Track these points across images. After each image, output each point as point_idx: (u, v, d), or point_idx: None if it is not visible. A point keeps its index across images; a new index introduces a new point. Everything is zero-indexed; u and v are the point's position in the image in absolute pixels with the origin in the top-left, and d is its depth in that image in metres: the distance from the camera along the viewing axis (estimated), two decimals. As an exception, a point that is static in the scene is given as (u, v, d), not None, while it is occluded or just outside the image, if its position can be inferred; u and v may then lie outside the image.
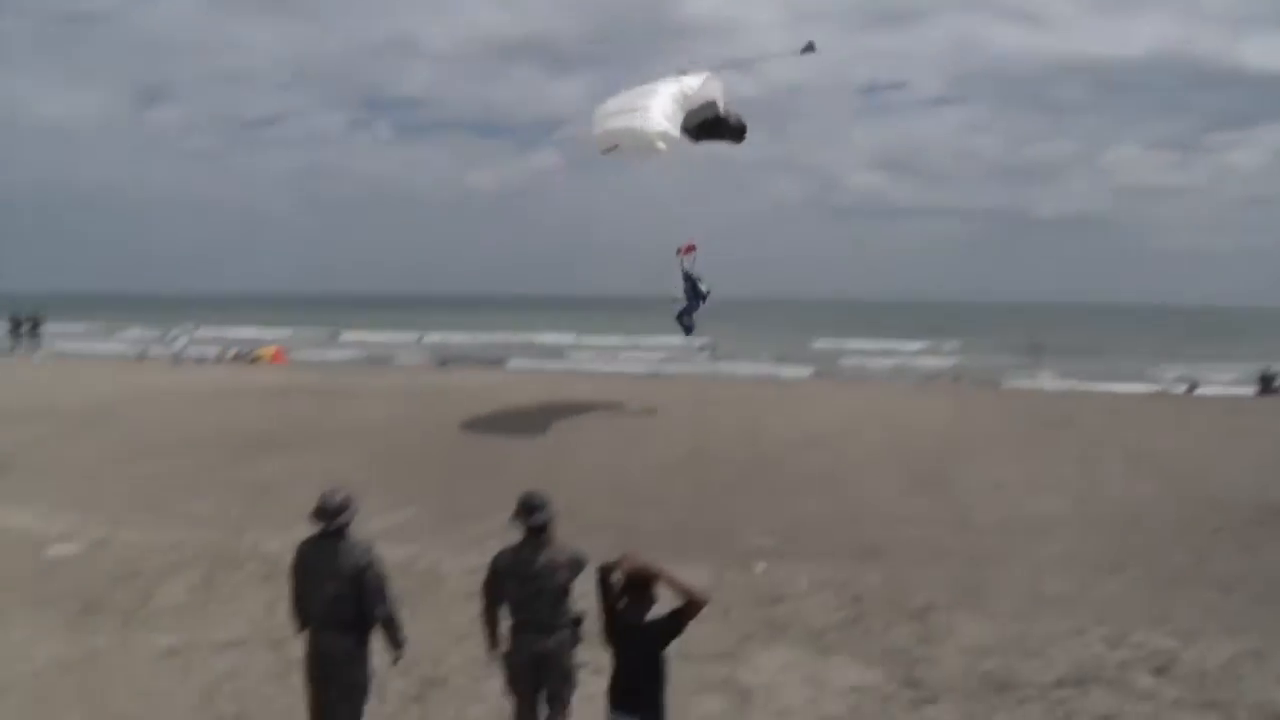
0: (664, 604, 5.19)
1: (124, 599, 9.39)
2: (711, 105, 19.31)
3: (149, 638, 8.39)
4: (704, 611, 5.11)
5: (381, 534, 11.69)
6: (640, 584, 5.13)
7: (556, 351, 49.49)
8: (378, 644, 5.91)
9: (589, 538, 10.18)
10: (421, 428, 19.74)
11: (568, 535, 6.13)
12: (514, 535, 6.05)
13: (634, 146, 18.41)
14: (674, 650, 7.96)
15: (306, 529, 6.14)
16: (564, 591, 5.85)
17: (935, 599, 9.44)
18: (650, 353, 46.31)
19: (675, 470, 15.80)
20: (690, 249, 20.37)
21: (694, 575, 10.05)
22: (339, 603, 5.75)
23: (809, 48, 20.18)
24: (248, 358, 39.93)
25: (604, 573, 5.32)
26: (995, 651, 8.18)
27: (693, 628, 8.46)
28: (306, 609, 5.91)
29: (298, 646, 6.37)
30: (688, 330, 21.49)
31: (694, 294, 20.80)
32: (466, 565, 10.50)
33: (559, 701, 5.96)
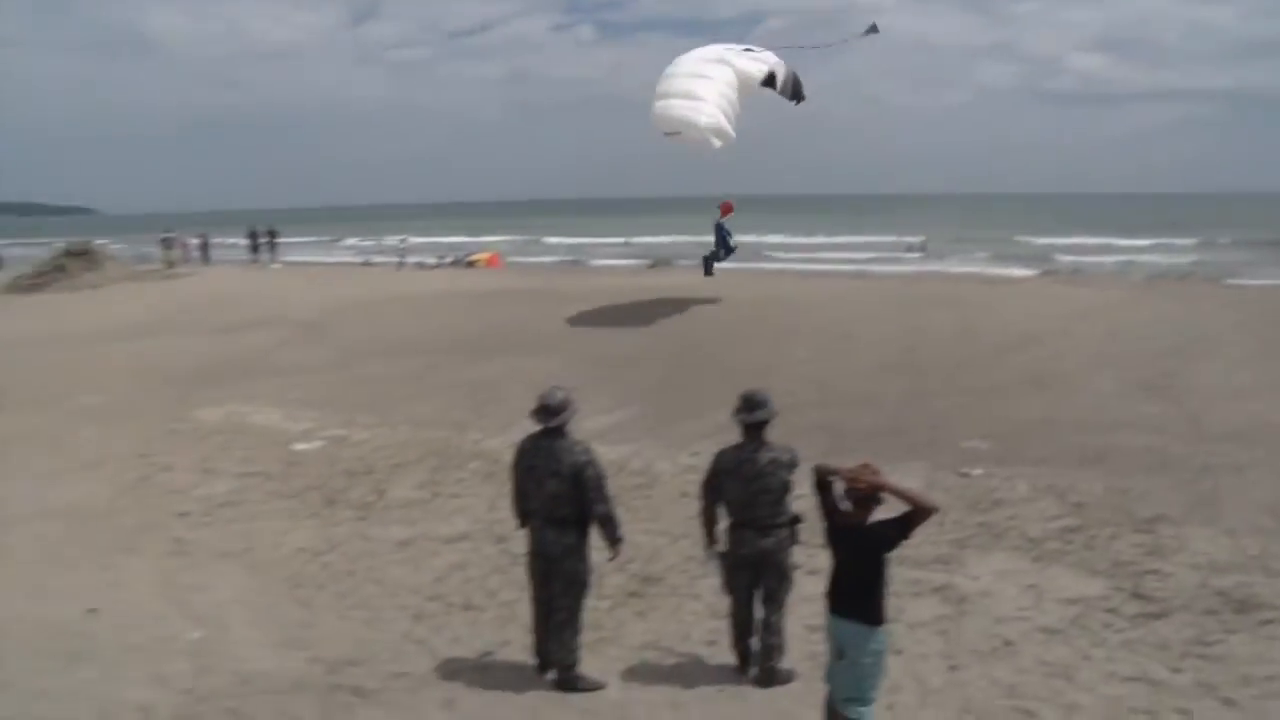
0: (888, 509, 5.10)
1: (359, 494, 10.06)
2: (769, 76, 19.77)
3: (383, 530, 8.99)
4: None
5: (597, 434, 12.11)
6: (863, 496, 5.06)
7: (762, 251, 49.06)
8: (596, 540, 6.10)
9: (801, 438, 10.20)
10: (631, 329, 20.07)
11: (780, 436, 6.13)
12: (728, 436, 6.09)
13: (692, 139, 18.70)
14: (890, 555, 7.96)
15: (525, 429, 6.39)
16: (784, 491, 5.86)
17: (1164, 510, 8.91)
18: (858, 252, 45.40)
19: (887, 371, 15.46)
20: (728, 209, 22.71)
21: (907, 477, 10.00)
22: (558, 500, 5.94)
23: (872, 29, 21.20)
24: (464, 262, 41.48)
25: (820, 474, 5.25)
26: (1232, 569, 7.66)
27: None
28: (527, 505, 6.15)
29: (520, 542, 6.70)
30: (708, 271, 24.11)
31: (724, 245, 23.36)
32: (681, 465, 10.75)
33: (774, 602, 6.02)
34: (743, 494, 5.86)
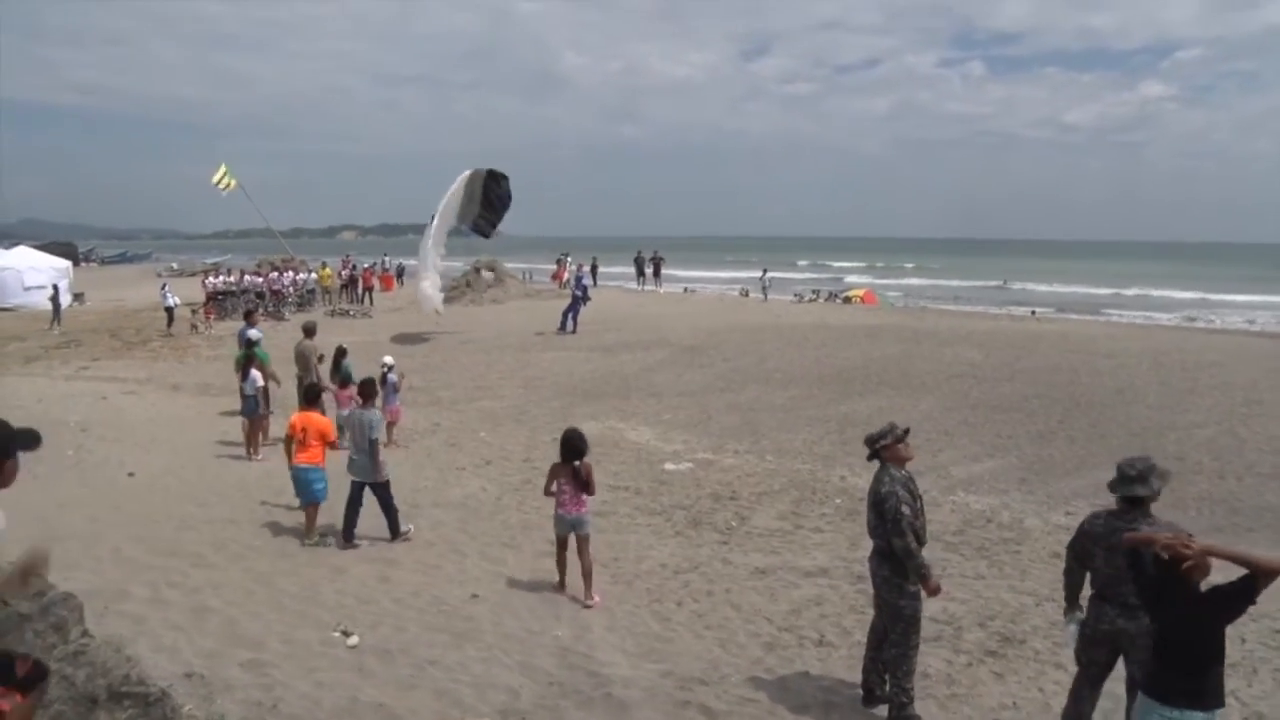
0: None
1: (723, 517, 10.24)
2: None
3: (744, 556, 9.06)
4: None
5: (966, 482, 11.62)
6: (1184, 567, 4.41)
7: (1169, 304, 45.21)
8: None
9: (1188, 510, 9.30)
10: (1012, 375, 19.12)
11: (1165, 505, 5.50)
12: (1109, 498, 5.59)
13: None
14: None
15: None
16: None
17: None
18: (1267, 311, 40.60)
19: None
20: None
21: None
22: (875, 530, 6.02)
23: None
24: (840, 297, 41.52)
25: (1131, 544, 4.72)
26: None
27: None
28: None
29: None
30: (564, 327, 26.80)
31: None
32: (1053, 523, 10.04)
33: (1136, 690, 5.37)
34: (1109, 566, 5.29)
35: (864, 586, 8.02)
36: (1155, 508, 5.36)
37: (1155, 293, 52.43)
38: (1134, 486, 5.26)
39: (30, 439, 3.36)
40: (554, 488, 8.10)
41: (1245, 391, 17.44)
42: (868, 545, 6.41)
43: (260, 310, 23.04)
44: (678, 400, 16.80)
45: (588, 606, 7.85)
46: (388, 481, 9.57)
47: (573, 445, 8.04)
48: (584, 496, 8.05)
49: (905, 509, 5.84)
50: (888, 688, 6.12)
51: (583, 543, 8.05)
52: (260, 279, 35.85)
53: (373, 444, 9.37)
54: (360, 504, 9.39)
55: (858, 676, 6.45)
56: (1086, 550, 5.46)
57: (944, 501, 10.77)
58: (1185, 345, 24.54)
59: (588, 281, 30.95)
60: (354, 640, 7.00)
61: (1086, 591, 5.58)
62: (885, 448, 6.08)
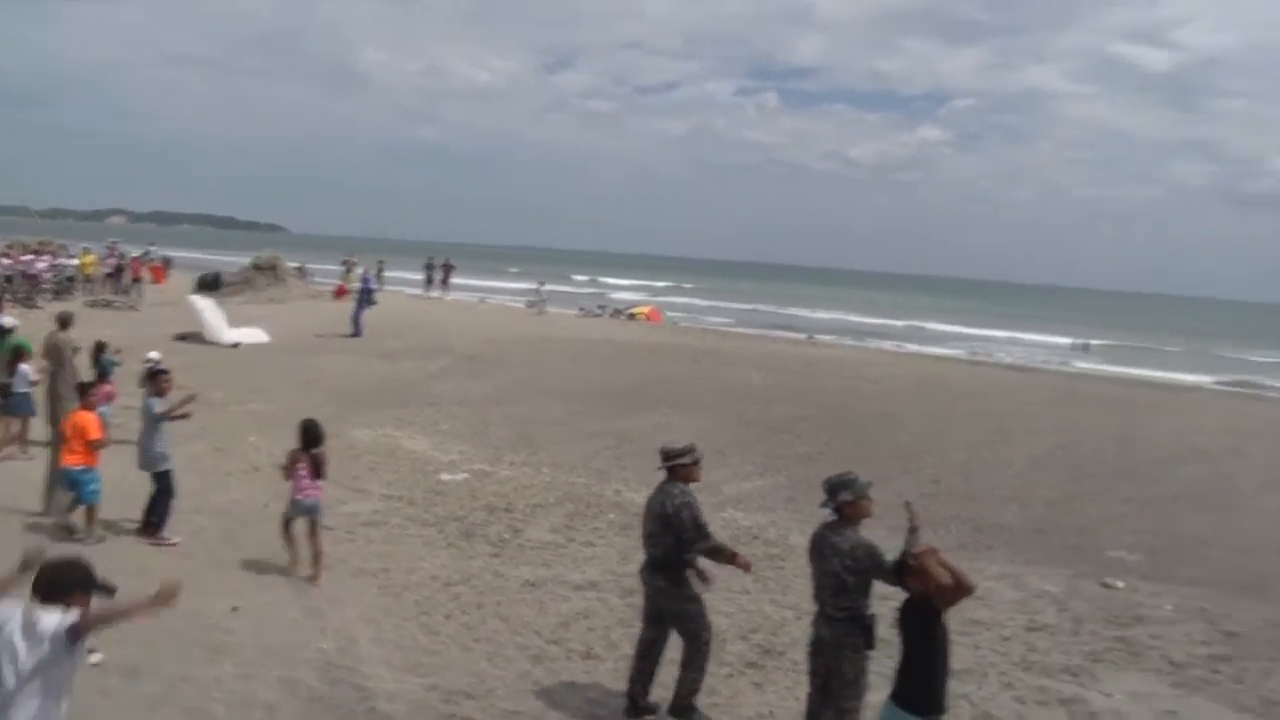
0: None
1: (497, 530, 10.23)
2: None
3: (515, 569, 9.10)
4: (1047, 620, 4.72)
5: (736, 499, 12.04)
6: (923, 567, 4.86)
7: (938, 336, 48.32)
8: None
9: (940, 528, 10.03)
10: (786, 397, 19.98)
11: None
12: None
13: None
14: (1017, 659, 7.60)
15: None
16: (840, 581, 5.44)
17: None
18: (1024, 348, 44.07)
19: (1037, 467, 14.99)
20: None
21: (1046, 580, 9.57)
22: (652, 539, 6.30)
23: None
24: (625, 314, 42.14)
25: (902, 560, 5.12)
26: None
27: (1038, 637, 8.08)
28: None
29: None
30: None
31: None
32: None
33: (831, 697, 5.61)
34: (817, 577, 5.62)
35: (633, 600, 8.22)
36: (882, 523, 5.75)
37: (926, 325, 55.73)
38: (836, 495, 5.58)
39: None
40: (294, 472, 8.50)
41: (997, 420, 18.97)
42: (638, 559, 6.59)
43: (8, 296, 21.22)
44: (456, 410, 16.67)
45: (313, 581, 8.31)
46: (167, 472, 9.37)
47: (311, 433, 8.66)
48: (320, 483, 8.53)
49: (701, 515, 6.15)
50: (675, 689, 6.31)
51: (316, 527, 8.48)
52: (8, 261, 32.88)
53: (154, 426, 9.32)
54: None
55: (623, 687, 6.60)
56: (811, 561, 5.72)
57: (714, 518, 11.04)
58: (949, 375, 26.34)
59: (374, 285, 30.22)
60: (97, 658, 6.55)
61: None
62: (684, 466, 6.32)
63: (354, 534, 9.73)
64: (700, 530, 6.14)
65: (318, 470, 8.55)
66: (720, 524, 10.90)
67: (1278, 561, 10.83)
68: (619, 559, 9.42)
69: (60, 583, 3.99)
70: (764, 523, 11.16)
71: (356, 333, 26.09)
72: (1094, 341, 48.32)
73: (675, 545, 6.19)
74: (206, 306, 25.09)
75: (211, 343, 23.06)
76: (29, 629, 3.85)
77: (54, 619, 3.87)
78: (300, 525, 8.54)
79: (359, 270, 36.43)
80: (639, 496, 11.37)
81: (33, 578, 4.03)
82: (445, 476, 12.23)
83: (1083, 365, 36.87)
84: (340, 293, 36.58)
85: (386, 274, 43.79)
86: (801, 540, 10.51)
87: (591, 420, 16.51)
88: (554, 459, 13.56)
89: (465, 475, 12.36)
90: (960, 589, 4.72)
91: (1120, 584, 9.73)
